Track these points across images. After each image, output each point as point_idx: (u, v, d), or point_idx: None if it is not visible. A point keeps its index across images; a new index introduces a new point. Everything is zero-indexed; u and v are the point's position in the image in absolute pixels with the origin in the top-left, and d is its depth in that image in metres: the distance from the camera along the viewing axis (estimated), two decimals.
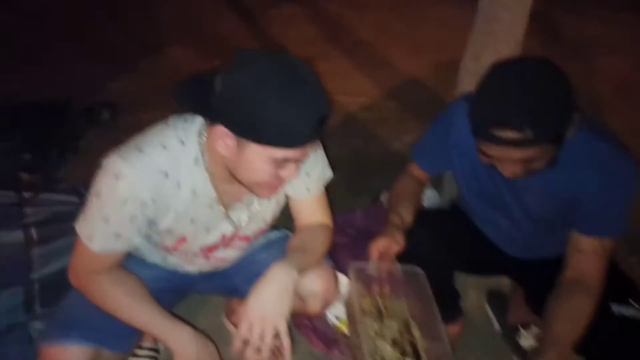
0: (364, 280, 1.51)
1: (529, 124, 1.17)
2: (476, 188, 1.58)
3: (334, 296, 1.48)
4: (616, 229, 1.39)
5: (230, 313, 1.85)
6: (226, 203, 1.29)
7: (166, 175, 1.15)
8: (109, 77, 3.37)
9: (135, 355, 1.65)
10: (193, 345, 1.27)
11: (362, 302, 1.57)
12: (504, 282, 2.03)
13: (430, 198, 2.26)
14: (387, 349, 1.45)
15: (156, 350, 1.71)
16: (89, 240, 1.17)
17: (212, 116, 1.09)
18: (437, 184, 2.35)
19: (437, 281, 1.60)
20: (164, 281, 1.45)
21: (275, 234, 1.62)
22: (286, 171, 1.13)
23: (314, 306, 1.45)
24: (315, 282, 1.42)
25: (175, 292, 1.54)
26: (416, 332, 1.52)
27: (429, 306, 1.44)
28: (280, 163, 1.09)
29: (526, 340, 1.84)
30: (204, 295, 1.87)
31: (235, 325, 1.81)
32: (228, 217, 1.31)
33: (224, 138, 1.08)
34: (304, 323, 1.85)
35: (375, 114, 3.25)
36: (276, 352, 1.59)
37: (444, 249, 1.59)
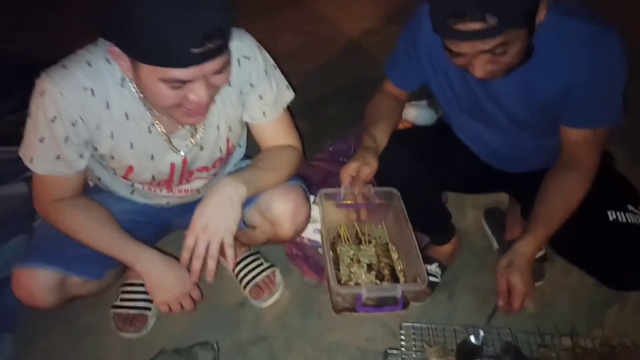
0: (340, 206, 1.46)
1: (489, 9, 1.04)
2: (453, 99, 1.47)
3: (305, 220, 1.45)
4: (609, 117, 1.28)
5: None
6: (169, 130, 1.26)
7: (92, 92, 1.13)
8: None
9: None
10: (162, 268, 1.29)
11: (340, 228, 1.54)
12: (502, 199, 1.93)
13: (426, 118, 2.14)
14: (362, 275, 1.42)
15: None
16: (31, 163, 1.20)
17: (104, 33, 1.04)
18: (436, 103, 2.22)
19: (420, 202, 1.54)
20: (139, 214, 1.47)
21: (247, 163, 1.59)
22: (193, 94, 1.06)
23: (284, 230, 1.42)
24: (282, 204, 1.39)
25: (154, 226, 1.56)
26: (394, 255, 1.48)
27: (405, 227, 1.38)
28: (177, 85, 1.03)
29: None
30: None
31: (225, 258, 1.83)
32: (170, 143, 1.28)
33: (119, 58, 1.05)
34: (296, 253, 1.85)
35: (377, 38, 3.10)
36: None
37: (425, 169, 1.50)
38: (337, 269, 1.44)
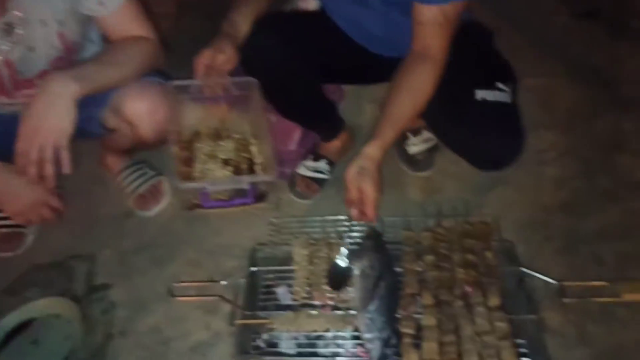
0: (197, 99, 1.37)
1: None
2: None
3: (165, 118, 1.36)
4: None
5: (103, 158, 1.76)
6: None
7: None
8: None
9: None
10: (6, 178, 1.24)
11: (200, 124, 1.45)
12: None
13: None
14: (217, 171, 1.36)
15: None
16: None
17: None
18: None
19: (295, 93, 1.46)
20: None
21: None
22: None
23: (143, 131, 1.34)
24: (136, 103, 1.30)
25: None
26: (254, 149, 1.42)
27: (262, 117, 1.31)
28: None
29: (414, 146, 1.73)
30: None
31: (108, 169, 1.74)
32: None
33: None
34: None
35: None
36: None
37: (295, 54, 1.40)
38: (191, 165, 1.37)
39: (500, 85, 1.35)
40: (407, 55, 1.28)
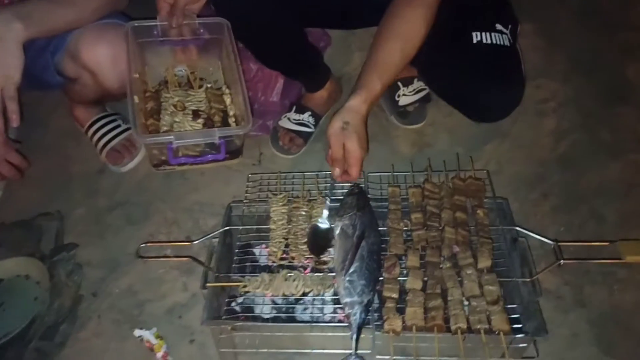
0: (162, 43, 1.25)
1: None
2: None
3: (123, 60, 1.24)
4: None
5: (72, 110, 1.64)
6: None
7: None
8: None
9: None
10: None
11: (166, 72, 1.33)
12: None
13: None
14: (186, 123, 1.25)
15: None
16: None
17: None
18: None
19: (273, 38, 1.34)
20: None
21: None
22: None
23: (106, 80, 1.23)
24: (96, 48, 1.19)
25: None
26: (227, 100, 1.30)
27: (233, 63, 1.20)
28: None
29: (405, 97, 1.61)
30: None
31: (78, 122, 1.63)
32: None
33: None
34: None
35: None
36: None
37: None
38: (158, 118, 1.26)
39: (500, 27, 1.25)
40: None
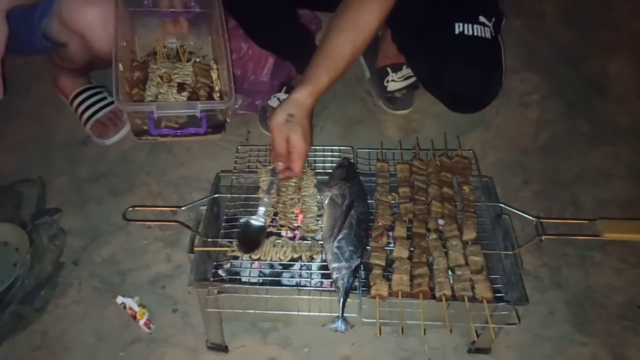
0: (152, 14, 1.25)
1: None
2: None
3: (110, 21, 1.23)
4: None
5: (56, 79, 1.61)
6: None
7: None
8: None
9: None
10: None
11: (157, 43, 1.32)
12: None
13: None
14: (171, 95, 1.24)
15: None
16: None
17: None
18: None
19: (267, 17, 1.35)
20: None
21: None
22: None
23: (98, 43, 1.22)
24: (86, 9, 1.18)
25: None
26: (214, 75, 1.30)
27: (221, 38, 1.20)
28: None
29: (394, 83, 1.63)
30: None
31: (63, 92, 1.61)
32: None
33: None
34: None
35: None
36: None
37: None
38: (143, 89, 1.25)
39: (482, 19, 1.27)
40: None
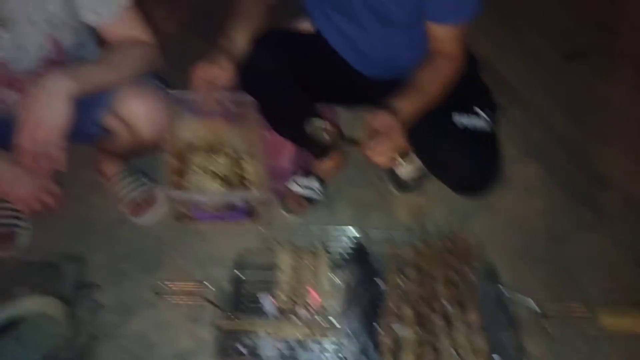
0: (194, 112, 1.42)
1: None
2: None
3: (164, 121, 1.39)
4: (469, 9, 1.30)
5: (98, 163, 1.78)
6: None
7: None
8: None
9: None
10: (9, 164, 1.25)
11: (195, 136, 1.49)
12: None
13: None
14: (207, 183, 1.39)
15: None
16: None
17: None
18: None
19: (287, 113, 1.51)
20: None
21: None
22: None
23: (143, 133, 1.38)
24: (135, 104, 1.33)
25: None
26: (247, 166, 1.45)
27: (256, 135, 1.36)
28: None
29: (405, 170, 1.77)
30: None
31: (103, 174, 1.77)
32: None
33: None
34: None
35: None
36: None
37: (290, 77, 1.46)
38: (181, 176, 1.41)
39: (478, 111, 1.41)
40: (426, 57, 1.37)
